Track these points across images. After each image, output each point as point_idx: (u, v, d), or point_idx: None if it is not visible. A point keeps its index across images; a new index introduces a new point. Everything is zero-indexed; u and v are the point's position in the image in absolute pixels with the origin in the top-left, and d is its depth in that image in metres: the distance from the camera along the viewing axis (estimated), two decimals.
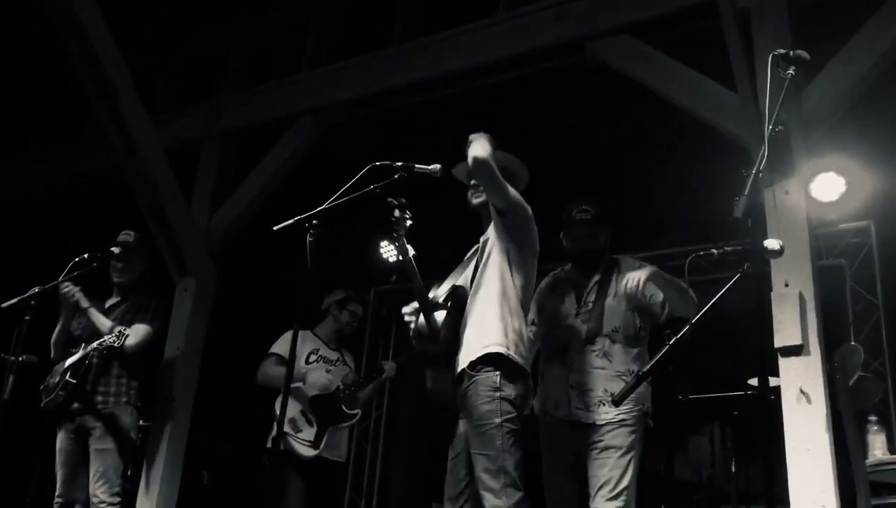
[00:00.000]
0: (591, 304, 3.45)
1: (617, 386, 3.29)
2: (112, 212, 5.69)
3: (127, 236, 4.59)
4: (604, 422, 3.30)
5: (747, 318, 2.43)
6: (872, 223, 5.83)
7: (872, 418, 3.58)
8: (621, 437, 3.28)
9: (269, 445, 4.66)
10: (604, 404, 3.31)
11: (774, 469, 3.74)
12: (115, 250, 4.33)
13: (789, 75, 2.49)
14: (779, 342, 3.56)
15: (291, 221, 3.39)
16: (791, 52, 2.49)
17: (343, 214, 3.35)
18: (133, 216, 5.44)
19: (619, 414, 3.29)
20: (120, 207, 5.53)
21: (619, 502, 3.19)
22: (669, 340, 2.28)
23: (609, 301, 3.43)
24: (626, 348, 3.38)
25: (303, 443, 4.58)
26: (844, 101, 4.18)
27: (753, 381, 5.33)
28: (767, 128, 2.30)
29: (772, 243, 2.40)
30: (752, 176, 2.21)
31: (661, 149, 5.34)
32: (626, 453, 3.26)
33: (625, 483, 3.22)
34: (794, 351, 3.54)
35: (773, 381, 3.84)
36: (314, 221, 3.28)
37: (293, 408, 4.65)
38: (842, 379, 3.45)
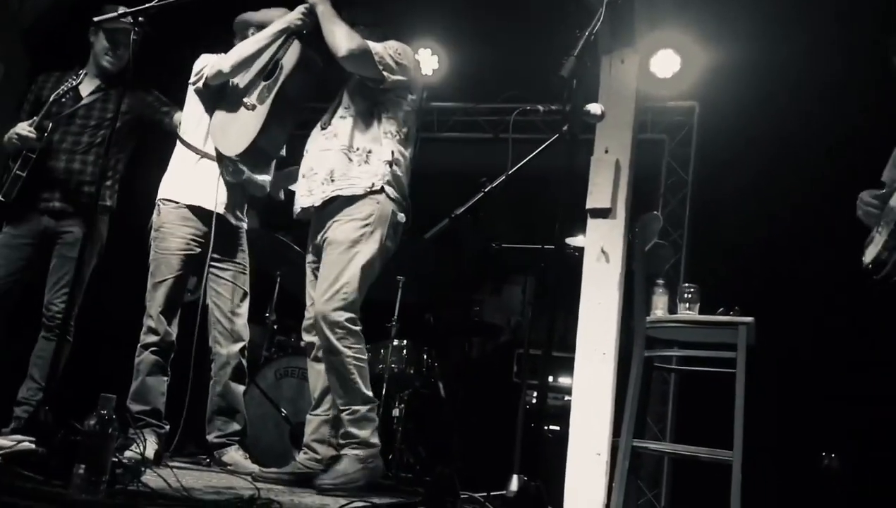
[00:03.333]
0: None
1: (339, 161, 3.10)
2: None
3: None
4: (323, 200, 3.10)
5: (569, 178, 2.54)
6: (697, 104, 6.15)
7: (660, 281, 3.91)
8: (347, 231, 3.06)
9: None
10: (325, 183, 3.13)
11: (568, 319, 4.07)
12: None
13: None
14: (590, 203, 3.77)
15: (115, 14, 3.17)
16: None
17: (174, 14, 3.13)
18: None
19: (335, 191, 3.08)
20: None
21: (336, 302, 2.98)
22: (484, 187, 2.38)
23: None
24: (356, 121, 3.15)
25: None
26: None
27: (570, 240, 5.65)
28: None
29: (594, 107, 2.49)
30: (584, 38, 2.25)
31: (514, 3, 5.30)
32: (350, 248, 3.05)
33: (343, 279, 3.00)
34: (603, 213, 3.77)
35: (582, 242, 4.10)
36: (140, 18, 3.06)
37: None
38: (639, 244, 3.72)
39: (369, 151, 3.12)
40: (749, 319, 3.40)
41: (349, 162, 3.10)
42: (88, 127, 3.93)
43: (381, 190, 3.10)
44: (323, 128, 3.23)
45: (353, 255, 3.03)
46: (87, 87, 4.00)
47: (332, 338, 2.98)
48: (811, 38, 4.75)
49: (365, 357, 3.07)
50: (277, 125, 3.34)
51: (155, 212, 3.64)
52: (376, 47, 3.12)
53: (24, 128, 3.79)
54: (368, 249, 3.06)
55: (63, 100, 3.91)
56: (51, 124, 3.86)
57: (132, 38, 3.08)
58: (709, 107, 6.07)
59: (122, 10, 3.18)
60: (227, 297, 3.64)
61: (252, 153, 3.38)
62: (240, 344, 3.65)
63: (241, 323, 3.68)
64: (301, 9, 3.27)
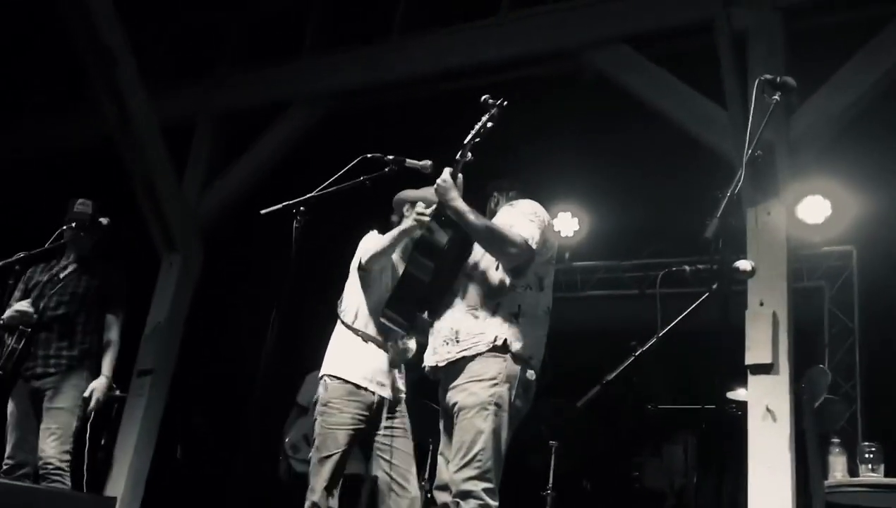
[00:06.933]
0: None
1: (465, 319, 2.99)
2: (103, 182, 5.73)
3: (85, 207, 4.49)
4: (448, 361, 2.97)
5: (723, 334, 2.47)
6: (855, 248, 5.89)
7: (835, 440, 3.63)
8: (476, 393, 2.90)
9: None
10: (449, 343, 3.00)
11: (737, 482, 3.81)
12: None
13: (775, 100, 2.53)
14: (749, 359, 3.62)
15: (279, 206, 3.43)
16: (778, 78, 2.53)
17: (331, 203, 3.39)
18: (124, 187, 5.47)
19: (460, 352, 2.95)
20: (111, 177, 5.55)
21: (470, 470, 2.80)
22: (635, 351, 2.34)
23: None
24: (483, 277, 3.05)
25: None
26: (833, 126, 4.24)
27: (731, 394, 5.40)
28: (746, 153, 2.34)
29: (743, 264, 2.43)
30: (726, 198, 2.25)
31: (651, 161, 5.40)
32: (481, 411, 2.87)
33: (478, 446, 2.83)
34: (764, 369, 3.60)
35: (743, 396, 3.90)
36: (301, 208, 3.32)
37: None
38: (808, 400, 3.51)
39: (498, 305, 2.99)
40: None
41: (475, 320, 3.00)
42: (63, 301, 4.23)
43: (505, 346, 2.93)
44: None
45: (484, 418, 2.87)
46: (64, 269, 4.33)
47: None
48: None
49: None
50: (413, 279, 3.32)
51: (321, 387, 3.73)
52: (515, 222, 3.04)
53: (23, 305, 4.18)
54: (500, 411, 2.89)
55: (48, 280, 4.29)
56: (41, 303, 4.21)
57: (294, 226, 3.34)
58: (868, 250, 5.80)
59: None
60: (398, 464, 3.64)
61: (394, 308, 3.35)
62: (415, 504, 3.62)
63: (414, 484, 3.66)
64: (419, 209, 3.33)
